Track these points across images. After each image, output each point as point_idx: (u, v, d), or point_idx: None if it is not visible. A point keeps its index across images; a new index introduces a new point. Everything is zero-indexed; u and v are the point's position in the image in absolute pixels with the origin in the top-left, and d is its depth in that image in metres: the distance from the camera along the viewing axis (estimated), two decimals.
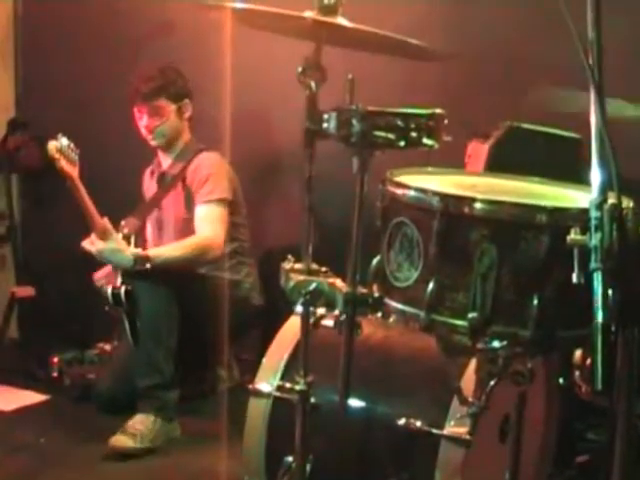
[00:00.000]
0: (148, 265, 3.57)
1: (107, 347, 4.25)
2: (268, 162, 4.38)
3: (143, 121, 3.91)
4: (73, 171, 3.66)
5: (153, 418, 3.58)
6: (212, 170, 3.88)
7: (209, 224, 3.78)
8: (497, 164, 3.05)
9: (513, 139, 3.18)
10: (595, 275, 1.38)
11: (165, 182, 4.03)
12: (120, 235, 3.69)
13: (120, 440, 3.50)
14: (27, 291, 4.63)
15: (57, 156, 3.61)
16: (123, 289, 3.60)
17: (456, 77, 3.49)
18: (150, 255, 3.62)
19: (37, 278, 4.72)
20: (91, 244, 3.62)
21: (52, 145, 3.62)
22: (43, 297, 4.64)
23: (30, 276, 4.77)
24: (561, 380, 2.70)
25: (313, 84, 2.12)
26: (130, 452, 3.49)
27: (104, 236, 3.61)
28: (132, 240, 3.73)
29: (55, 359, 4.22)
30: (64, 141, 3.65)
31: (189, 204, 3.90)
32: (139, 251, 3.65)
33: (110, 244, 3.60)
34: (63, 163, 3.62)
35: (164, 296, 3.62)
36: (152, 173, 4.14)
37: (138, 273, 3.59)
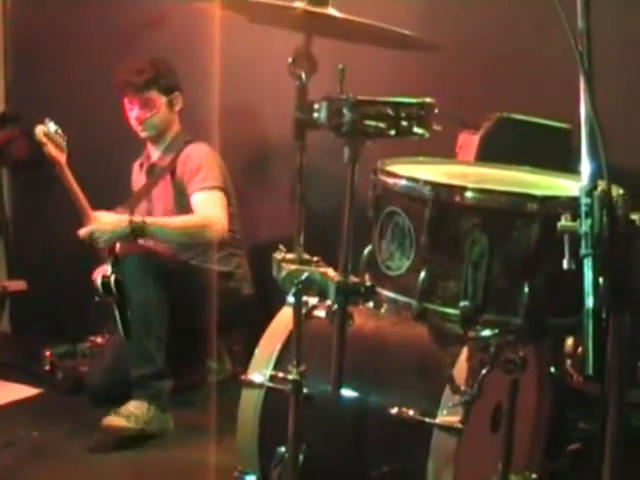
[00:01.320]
0: (145, 228, 3.55)
1: (99, 340, 4.25)
2: (259, 153, 4.37)
3: (134, 112, 3.92)
4: (61, 157, 3.66)
5: (147, 404, 3.57)
6: (203, 160, 3.87)
7: (210, 206, 3.76)
8: (488, 155, 3.05)
9: (503, 130, 3.18)
10: (585, 261, 1.38)
11: (154, 174, 4.03)
12: None
13: (113, 420, 3.49)
14: (19, 285, 4.62)
15: (44, 140, 3.61)
16: (113, 278, 3.61)
17: (446, 68, 3.49)
18: (147, 221, 3.61)
19: (29, 272, 4.71)
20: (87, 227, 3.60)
21: (39, 129, 3.62)
22: (35, 291, 4.63)
23: (22, 270, 4.77)
24: (553, 369, 2.71)
25: (303, 75, 2.13)
26: (123, 431, 3.48)
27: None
28: None
29: (47, 352, 4.22)
30: (52, 126, 3.64)
31: (178, 197, 3.90)
32: (135, 217, 3.63)
33: (103, 217, 3.60)
34: (51, 148, 3.62)
35: (153, 285, 3.61)
36: (141, 165, 4.14)
37: (127, 263, 3.60)
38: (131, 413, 3.52)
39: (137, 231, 3.57)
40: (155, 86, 3.88)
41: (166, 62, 3.96)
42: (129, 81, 3.87)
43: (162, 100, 3.91)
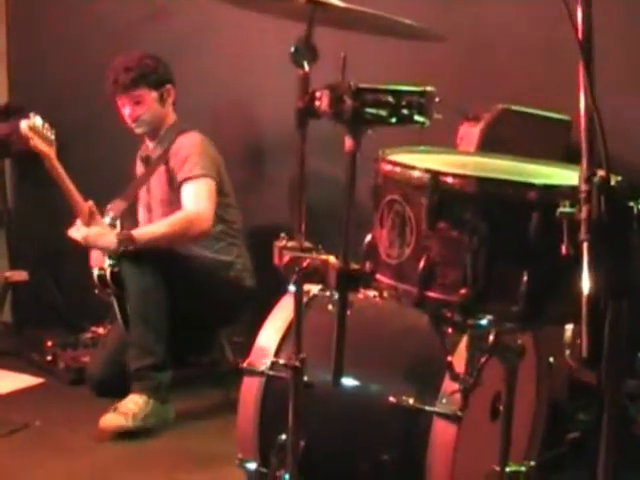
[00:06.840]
0: (131, 247, 3.56)
1: (100, 330, 4.27)
2: (258, 143, 4.38)
3: (126, 111, 3.90)
4: (50, 150, 3.66)
5: (146, 398, 3.56)
6: (191, 150, 3.84)
7: (195, 199, 3.75)
8: (488, 147, 3.06)
9: (504, 121, 3.19)
10: (583, 246, 1.39)
11: (149, 164, 4.03)
12: (107, 219, 3.70)
13: (110, 419, 3.49)
14: (21, 275, 4.64)
15: (30, 134, 3.61)
16: (109, 271, 3.62)
17: (447, 59, 3.50)
18: (134, 235, 3.61)
19: (31, 262, 4.73)
20: (76, 231, 3.64)
21: (25, 124, 3.62)
22: (37, 281, 4.65)
23: (24, 260, 4.79)
24: (551, 359, 2.71)
25: (305, 64, 2.13)
26: (121, 430, 3.48)
27: (88, 220, 3.62)
28: (118, 224, 3.74)
29: (49, 343, 4.25)
30: (38, 120, 3.64)
31: (172, 188, 3.87)
32: (123, 232, 3.64)
33: (93, 229, 3.62)
34: (38, 142, 3.62)
35: (151, 277, 3.61)
36: (141, 157, 4.14)
37: (125, 254, 3.60)
38: (129, 410, 3.52)
39: (125, 244, 3.57)
40: (143, 82, 3.85)
41: (154, 57, 3.93)
42: (117, 80, 3.86)
43: (152, 95, 3.89)
